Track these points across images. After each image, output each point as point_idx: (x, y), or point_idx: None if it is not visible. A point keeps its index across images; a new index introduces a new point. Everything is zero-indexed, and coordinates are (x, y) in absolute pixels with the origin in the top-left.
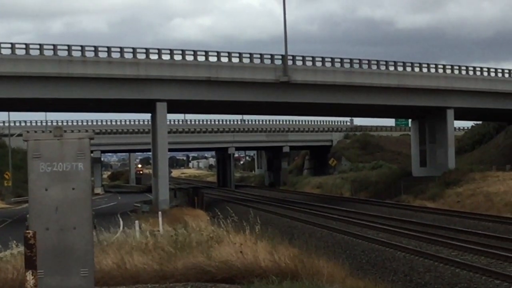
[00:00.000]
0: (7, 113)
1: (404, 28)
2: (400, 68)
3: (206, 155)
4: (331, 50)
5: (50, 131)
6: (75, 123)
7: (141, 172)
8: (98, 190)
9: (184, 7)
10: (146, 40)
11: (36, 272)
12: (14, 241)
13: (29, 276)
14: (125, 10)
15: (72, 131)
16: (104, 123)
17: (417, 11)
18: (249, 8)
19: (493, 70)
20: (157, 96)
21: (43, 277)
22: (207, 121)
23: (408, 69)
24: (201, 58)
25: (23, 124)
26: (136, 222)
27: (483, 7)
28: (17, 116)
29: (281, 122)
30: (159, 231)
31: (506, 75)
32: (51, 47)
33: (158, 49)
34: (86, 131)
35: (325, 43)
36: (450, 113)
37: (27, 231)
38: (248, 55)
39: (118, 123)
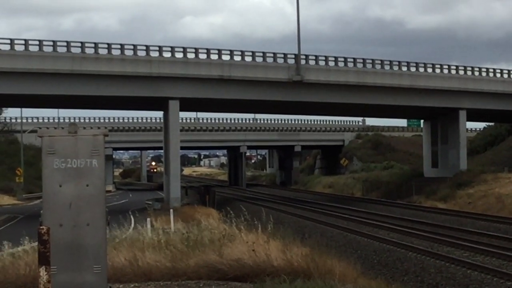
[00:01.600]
0: (19, 109)
1: (414, 29)
2: (412, 69)
3: (217, 153)
4: (341, 50)
5: (63, 128)
6: (87, 120)
7: (154, 170)
8: (110, 187)
9: (195, 5)
10: (156, 38)
11: (50, 268)
12: (27, 237)
13: (43, 272)
14: (135, 7)
15: (84, 128)
16: (116, 120)
17: (427, 11)
18: (260, 7)
19: (506, 71)
20: (169, 94)
21: (56, 273)
22: (219, 119)
23: (421, 69)
24: (214, 57)
25: (35, 120)
26: (148, 219)
27: (494, 8)
28: (29, 112)
29: (293, 122)
30: (170, 228)
31: None
32: (65, 44)
33: (171, 47)
34: (98, 128)
35: (335, 42)
36: (463, 114)
37: (41, 227)
38: (261, 54)
39: (130, 120)
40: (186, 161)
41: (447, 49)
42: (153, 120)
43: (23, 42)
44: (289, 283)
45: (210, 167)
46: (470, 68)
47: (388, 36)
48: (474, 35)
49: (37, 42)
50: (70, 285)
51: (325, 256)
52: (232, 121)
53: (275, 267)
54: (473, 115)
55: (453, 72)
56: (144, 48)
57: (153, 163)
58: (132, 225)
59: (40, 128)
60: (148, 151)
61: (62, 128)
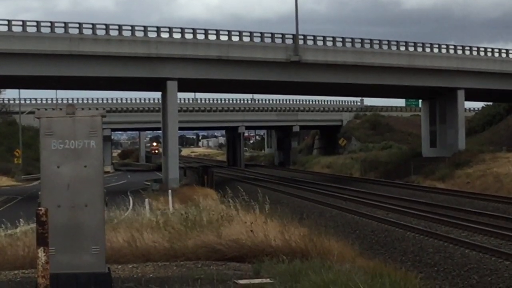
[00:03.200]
0: (17, 90)
1: (411, 9)
2: (411, 49)
3: (216, 134)
4: (338, 30)
5: (61, 109)
6: (85, 101)
7: (156, 151)
8: (108, 168)
9: None
10: (152, 18)
11: (48, 249)
12: (25, 218)
13: (41, 253)
14: None
15: (82, 109)
16: (115, 101)
17: None
18: None
19: (504, 50)
20: (167, 75)
21: (54, 254)
22: (217, 100)
23: (419, 49)
24: (212, 37)
25: (33, 101)
26: (146, 200)
27: None
28: (27, 93)
29: (291, 102)
30: (169, 209)
31: None
32: (62, 25)
33: (169, 28)
34: (97, 109)
35: (332, 23)
36: (461, 94)
37: (39, 208)
38: (259, 35)
39: (129, 101)
40: (184, 142)
41: (444, 29)
42: (151, 101)
43: (20, 23)
44: (287, 263)
45: (209, 147)
46: (468, 48)
47: (385, 16)
48: (471, 14)
49: (35, 23)
50: (69, 266)
51: (323, 236)
52: (231, 101)
53: (273, 248)
54: (472, 95)
55: (451, 51)
56: (142, 29)
57: (154, 144)
58: (131, 206)
59: (38, 109)
60: (147, 132)
61: (60, 109)
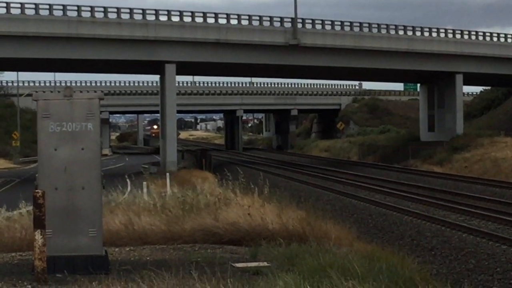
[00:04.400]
0: (15, 73)
1: None
2: (409, 33)
3: (214, 117)
4: (337, 14)
5: (59, 91)
6: (83, 84)
7: (156, 134)
8: (106, 151)
9: None
10: (149, 1)
11: (45, 232)
12: (23, 201)
13: (38, 236)
14: None
15: (81, 92)
16: (113, 84)
17: None
18: None
19: (503, 35)
20: (166, 58)
21: (51, 236)
22: (215, 83)
23: (418, 33)
24: (210, 20)
25: (31, 84)
26: (144, 183)
27: None
28: (25, 76)
29: (289, 85)
30: (166, 192)
31: None
32: (61, 7)
33: (168, 11)
34: (95, 91)
35: (330, 6)
36: (459, 78)
37: (36, 191)
38: (258, 18)
39: (127, 84)
40: (182, 125)
41: (442, 13)
42: (150, 84)
43: (19, 5)
44: (284, 247)
45: (207, 131)
46: (466, 32)
47: (384, 0)
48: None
49: (33, 6)
50: (65, 248)
51: (320, 220)
52: (229, 84)
53: (270, 231)
54: (470, 79)
55: (450, 36)
56: (141, 11)
57: (155, 127)
58: (128, 189)
59: (36, 91)
60: (145, 115)
61: (59, 91)
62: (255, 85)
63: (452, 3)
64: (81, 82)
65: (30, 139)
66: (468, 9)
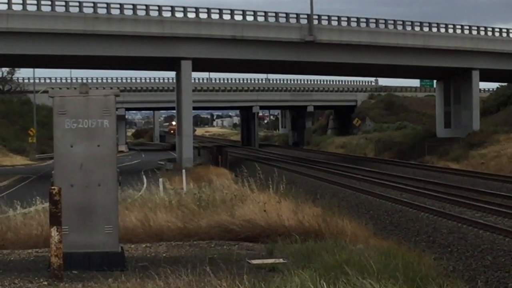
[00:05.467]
0: (32, 69)
1: None
2: (425, 29)
3: (230, 113)
4: (353, 10)
5: (75, 88)
6: (99, 80)
7: (174, 131)
8: (122, 147)
9: None
10: None
11: (61, 228)
12: (39, 197)
13: (54, 232)
14: None
15: (97, 88)
16: (129, 80)
17: None
18: None
19: None
20: (182, 54)
21: (67, 233)
22: (231, 79)
23: (434, 29)
24: (226, 17)
25: (47, 81)
26: (160, 180)
27: None
28: (41, 72)
29: (305, 82)
30: (182, 189)
31: None
32: (77, 4)
33: (184, 7)
34: (111, 88)
35: (347, 2)
36: (476, 74)
37: (52, 188)
38: (274, 14)
39: (143, 80)
40: (198, 121)
41: (458, 9)
42: (166, 81)
43: (35, 2)
44: (300, 243)
45: (223, 127)
46: (483, 28)
47: None
48: None
49: (49, 2)
50: (82, 245)
51: (336, 217)
52: (245, 81)
53: (286, 228)
54: (486, 75)
55: (466, 32)
56: (157, 8)
57: (174, 123)
58: (145, 185)
59: (52, 88)
60: (161, 111)
61: (75, 88)
62: (271, 81)
63: None
64: (97, 78)
65: (46, 135)
66: (484, 5)
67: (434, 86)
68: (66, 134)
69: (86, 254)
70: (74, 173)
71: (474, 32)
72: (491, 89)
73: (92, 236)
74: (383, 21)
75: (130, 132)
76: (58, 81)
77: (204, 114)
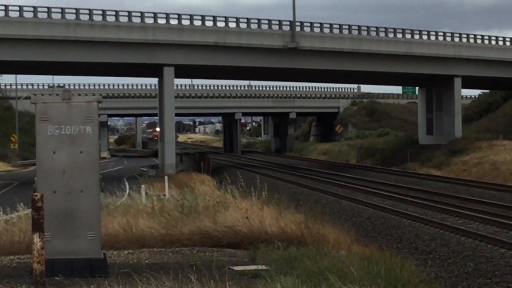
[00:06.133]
0: (14, 75)
1: None
2: (408, 36)
3: (212, 120)
4: (335, 17)
5: (58, 94)
6: (82, 87)
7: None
8: (105, 154)
9: None
10: (146, 4)
11: (43, 235)
12: (21, 204)
13: (36, 239)
14: None
15: (79, 95)
16: (111, 87)
17: None
18: None
19: (501, 38)
20: (164, 61)
21: (50, 239)
22: (214, 86)
23: (416, 36)
24: (209, 23)
25: (30, 87)
26: (142, 186)
27: None
28: (24, 79)
29: (288, 88)
30: (165, 195)
31: None
32: (59, 10)
33: (166, 14)
34: (93, 94)
35: (329, 9)
36: (458, 82)
37: (35, 194)
38: (256, 21)
39: (125, 87)
40: (181, 128)
41: (438, 17)
42: (148, 87)
43: (17, 8)
44: (283, 250)
45: (205, 133)
46: (465, 35)
47: (379, 3)
48: (465, 2)
49: (32, 9)
50: (64, 251)
51: (319, 223)
52: (227, 87)
53: (269, 234)
54: (468, 82)
55: (448, 39)
56: (139, 14)
57: (158, 129)
58: (127, 192)
59: (34, 94)
60: (143, 117)
61: (57, 94)
62: (253, 88)
63: (448, 5)
64: (79, 85)
65: (28, 142)
66: (465, 12)
67: (417, 93)
68: (48, 140)
69: (68, 260)
70: (56, 180)
71: (456, 39)
72: (473, 96)
73: (75, 242)
74: (366, 28)
75: (112, 138)
76: (41, 87)
77: (187, 120)
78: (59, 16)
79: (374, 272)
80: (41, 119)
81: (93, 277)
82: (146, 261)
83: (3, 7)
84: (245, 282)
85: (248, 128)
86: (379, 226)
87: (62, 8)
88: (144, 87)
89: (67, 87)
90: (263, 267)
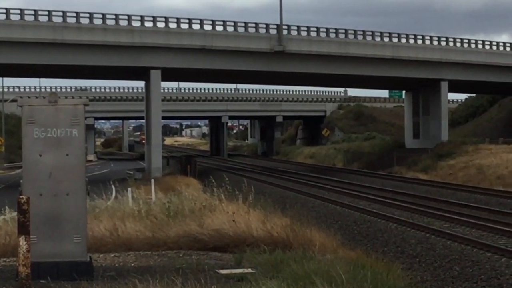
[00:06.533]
0: (0, 78)
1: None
2: (395, 40)
3: (199, 123)
4: (321, 21)
5: (44, 97)
6: (69, 90)
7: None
8: (91, 157)
9: None
10: (133, 8)
11: (29, 238)
12: (7, 207)
13: (22, 242)
14: None
15: (66, 98)
16: (98, 90)
17: None
18: None
19: (488, 42)
20: (151, 64)
21: (36, 242)
22: (201, 89)
23: (403, 40)
24: (196, 27)
25: (16, 90)
26: (129, 189)
27: None
28: (11, 81)
29: (275, 92)
30: (151, 198)
31: (501, 48)
32: (46, 13)
33: (153, 17)
34: (80, 97)
35: (314, 13)
36: (444, 85)
37: (21, 197)
38: (243, 24)
39: (112, 90)
40: (167, 131)
41: (425, 20)
42: (135, 90)
43: (4, 11)
44: (269, 253)
45: (192, 137)
46: (452, 39)
47: (366, 6)
48: (452, 5)
49: (19, 11)
50: (50, 254)
51: (305, 227)
52: (214, 91)
53: (255, 238)
54: (455, 86)
55: (435, 43)
56: (126, 17)
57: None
58: (113, 195)
59: (21, 97)
60: (130, 121)
61: (44, 97)
62: (240, 91)
63: (435, 9)
64: (66, 88)
65: (15, 144)
66: (451, 16)
67: (403, 96)
68: (35, 143)
69: (54, 263)
70: (42, 182)
71: (443, 43)
72: (459, 100)
73: (61, 245)
74: (353, 32)
75: (99, 141)
76: (27, 90)
77: (173, 123)
78: (46, 18)
79: (360, 276)
80: (27, 122)
81: (79, 280)
82: (132, 264)
83: None
84: (231, 286)
85: (234, 131)
86: (365, 229)
87: (49, 11)
88: (131, 90)
89: (54, 90)
90: (249, 270)
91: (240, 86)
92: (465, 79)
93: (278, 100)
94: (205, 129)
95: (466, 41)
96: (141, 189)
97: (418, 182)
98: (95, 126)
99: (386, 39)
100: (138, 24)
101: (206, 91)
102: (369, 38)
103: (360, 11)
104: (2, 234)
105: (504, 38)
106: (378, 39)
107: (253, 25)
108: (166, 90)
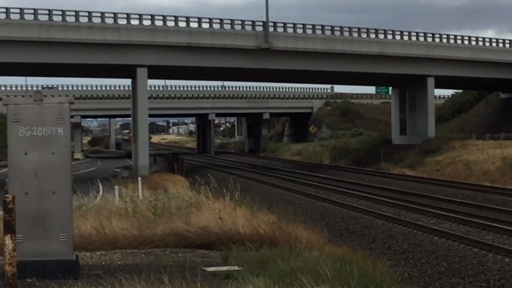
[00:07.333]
0: None
1: None
2: (381, 36)
3: (186, 121)
4: (307, 17)
5: (30, 96)
6: (55, 88)
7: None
8: (78, 155)
9: None
10: (117, 5)
11: (15, 237)
12: None
13: (8, 241)
14: None
15: (52, 96)
16: (85, 88)
17: None
18: None
19: (474, 38)
20: (137, 62)
21: (22, 241)
22: (187, 87)
23: (389, 36)
24: (182, 24)
25: (2, 88)
26: (116, 187)
27: None
28: None
29: (261, 89)
30: (138, 196)
31: (487, 44)
32: (32, 11)
33: (139, 15)
34: (66, 96)
35: (301, 10)
36: (431, 81)
37: (6, 196)
38: (229, 22)
39: (99, 88)
40: (154, 129)
41: (409, 16)
42: (122, 88)
43: None
44: (255, 251)
45: (179, 134)
46: (438, 35)
47: (351, 3)
48: (436, 1)
49: (4, 10)
50: (36, 253)
51: (292, 224)
52: (201, 88)
53: (241, 235)
54: (441, 82)
55: (421, 39)
56: (112, 15)
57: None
58: (100, 193)
59: (7, 96)
60: (117, 119)
61: (30, 96)
62: (227, 88)
63: (420, 5)
64: (52, 86)
65: (1, 143)
66: (437, 12)
67: (390, 93)
68: (20, 141)
69: (40, 262)
70: (28, 181)
71: (429, 39)
72: (446, 96)
73: (47, 244)
74: (339, 28)
75: (86, 139)
76: (14, 88)
77: (160, 121)
78: (31, 17)
79: (346, 273)
80: (12, 121)
81: (66, 279)
82: (119, 262)
83: None
84: (217, 283)
85: (221, 129)
86: (352, 226)
87: (35, 9)
88: (117, 88)
89: (40, 88)
90: (236, 268)
91: (226, 83)
92: (452, 75)
93: (265, 97)
94: (192, 127)
95: (452, 37)
96: (128, 187)
97: (405, 178)
98: (82, 124)
99: (373, 36)
100: (124, 22)
101: (193, 88)
102: (355, 34)
103: (346, 8)
104: None
105: (489, 33)
106: (364, 35)
107: (239, 22)
108: (152, 88)
